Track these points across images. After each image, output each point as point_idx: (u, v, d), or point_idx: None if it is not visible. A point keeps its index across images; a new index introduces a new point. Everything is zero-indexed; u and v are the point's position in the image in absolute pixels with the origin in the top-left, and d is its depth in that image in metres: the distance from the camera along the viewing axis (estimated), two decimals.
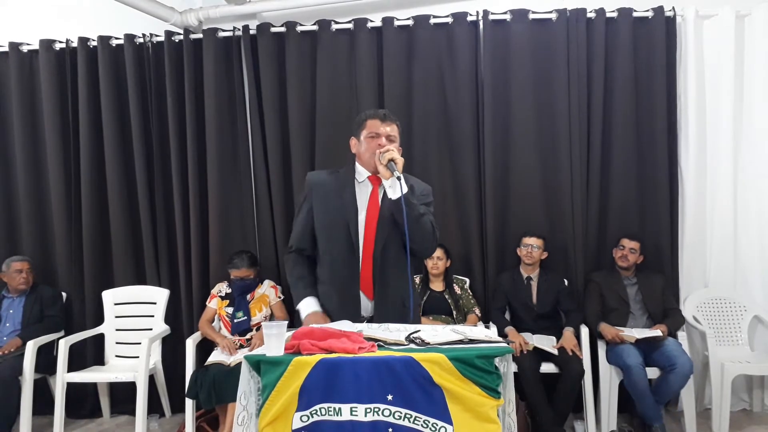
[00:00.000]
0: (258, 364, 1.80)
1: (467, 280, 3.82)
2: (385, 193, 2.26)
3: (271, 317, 3.65)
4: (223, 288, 3.74)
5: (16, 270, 3.82)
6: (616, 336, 3.37)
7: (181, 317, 3.96)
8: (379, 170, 2.22)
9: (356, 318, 2.23)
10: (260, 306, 3.65)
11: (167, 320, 3.90)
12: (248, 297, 3.65)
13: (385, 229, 2.28)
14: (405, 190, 2.19)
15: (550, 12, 3.74)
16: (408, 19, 3.81)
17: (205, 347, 3.68)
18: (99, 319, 3.97)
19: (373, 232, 2.29)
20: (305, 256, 2.41)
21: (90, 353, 3.98)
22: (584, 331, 3.51)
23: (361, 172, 2.36)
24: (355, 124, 2.41)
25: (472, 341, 1.91)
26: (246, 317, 3.59)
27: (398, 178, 2.16)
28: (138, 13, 3.80)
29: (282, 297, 3.71)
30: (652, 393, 3.24)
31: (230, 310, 3.63)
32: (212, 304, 3.73)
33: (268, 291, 3.71)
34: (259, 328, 3.54)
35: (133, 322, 3.93)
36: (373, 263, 2.28)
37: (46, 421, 3.71)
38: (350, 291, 2.29)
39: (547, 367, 3.39)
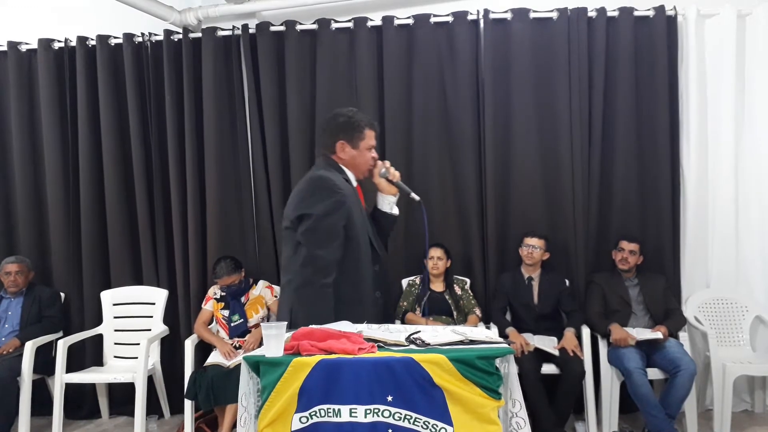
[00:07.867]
0: (257, 365, 1.79)
1: (468, 281, 3.80)
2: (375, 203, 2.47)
3: (269, 317, 3.63)
4: (218, 290, 3.68)
5: (5, 272, 3.81)
6: (623, 340, 3.32)
7: (180, 318, 3.94)
8: (380, 184, 2.42)
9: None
10: (256, 308, 3.60)
11: (166, 321, 3.88)
12: (242, 299, 3.60)
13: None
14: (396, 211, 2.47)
15: (551, 11, 3.73)
16: (408, 18, 3.80)
17: (204, 348, 3.66)
18: (97, 320, 3.96)
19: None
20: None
21: (88, 354, 3.96)
22: (585, 331, 3.49)
23: (352, 179, 2.40)
24: (347, 127, 2.35)
25: (472, 342, 1.91)
26: (242, 320, 3.54)
27: (419, 202, 2.36)
28: (137, 12, 3.79)
29: (278, 297, 3.68)
30: (662, 406, 3.16)
31: (226, 312, 3.59)
32: (208, 306, 3.69)
33: (263, 292, 3.67)
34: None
35: (131, 323, 3.91)
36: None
37: (45, 422, 3.70)
38: (374, 300, 2.35)
39: (548, 368, 3.37)
